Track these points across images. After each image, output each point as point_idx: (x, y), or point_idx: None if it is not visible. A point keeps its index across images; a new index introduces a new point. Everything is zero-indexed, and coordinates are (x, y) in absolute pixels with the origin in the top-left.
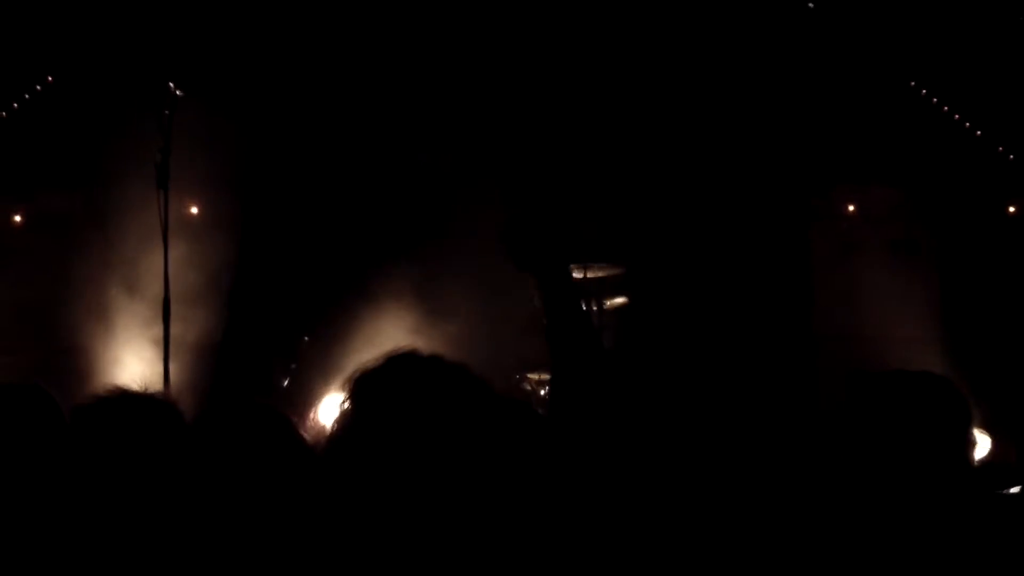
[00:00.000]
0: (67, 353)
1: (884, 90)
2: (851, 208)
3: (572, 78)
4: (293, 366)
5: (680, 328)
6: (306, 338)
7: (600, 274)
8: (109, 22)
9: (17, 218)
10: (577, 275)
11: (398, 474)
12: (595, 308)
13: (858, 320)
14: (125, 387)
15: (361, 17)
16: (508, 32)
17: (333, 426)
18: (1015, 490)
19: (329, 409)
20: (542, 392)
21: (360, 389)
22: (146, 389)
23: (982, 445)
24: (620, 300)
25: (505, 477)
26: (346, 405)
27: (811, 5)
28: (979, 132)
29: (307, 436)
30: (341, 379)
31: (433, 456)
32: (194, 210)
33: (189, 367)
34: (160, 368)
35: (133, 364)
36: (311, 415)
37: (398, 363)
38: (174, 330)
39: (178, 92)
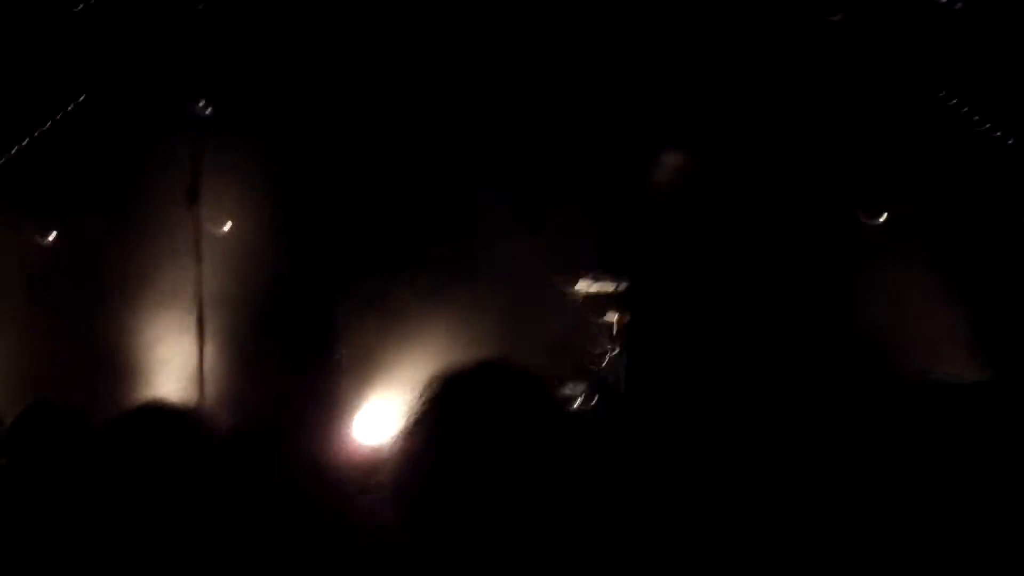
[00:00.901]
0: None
1: (914, 96)
2: (882, 216)
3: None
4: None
5: (710, 338)
6: (344, 352)
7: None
8: (138, 41)
9: (51, 237)
10: (609, 287)
11: (481, 481)
12: (627, 321)
13: (887, 328)
14: (158, 401)
15: (396, 24)
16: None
17: (411, 426)
18: None
19: (367, 420)
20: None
21: (448, 394)
22: (177, 403)
23: None
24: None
25: (581, 490)
26: (430, 407)
27: (835, 19)
28: (1010, 140)
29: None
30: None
31: (517, 466)
32: (227, 226)
33: (225, 376)
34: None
35: (169, 373)
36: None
37: (487, 371)
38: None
39: (207, 110)
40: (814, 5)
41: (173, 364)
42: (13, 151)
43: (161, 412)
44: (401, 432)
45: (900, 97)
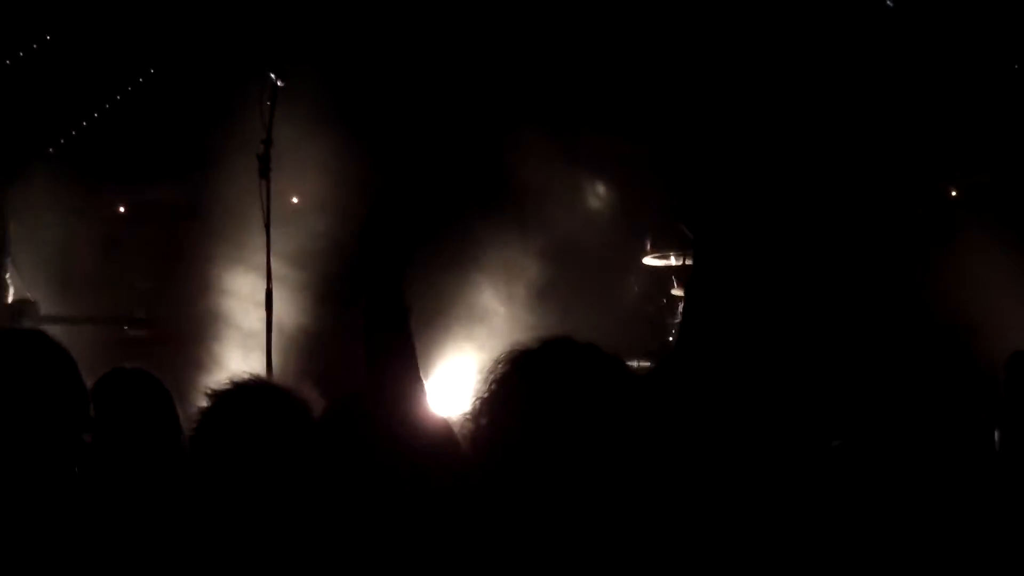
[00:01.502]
0: (173, 337)
1: (987, 75)
2: (954, 192)
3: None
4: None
5: (784, 316)
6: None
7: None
8: (209, 14)
9: (122, 208)
10: (678, 261)
11: (558, 454)
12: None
13: (967, 306)
14: (260, 376)
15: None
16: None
17: (487, 399)
18: None
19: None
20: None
21: (523, 368)
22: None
23: None
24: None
25: (651, 464)
26: (505, 381)
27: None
28: None
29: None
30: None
31: (591, 440)
32: (295, 199)
33: (291, 355)
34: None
35: (236, 351)
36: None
37: (559, 347)
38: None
39: (279, 82)
40: None
41: (243, 333)
42: (88, 122)
43: (262, 388)
44: (476, 408)
45: (977, 71)
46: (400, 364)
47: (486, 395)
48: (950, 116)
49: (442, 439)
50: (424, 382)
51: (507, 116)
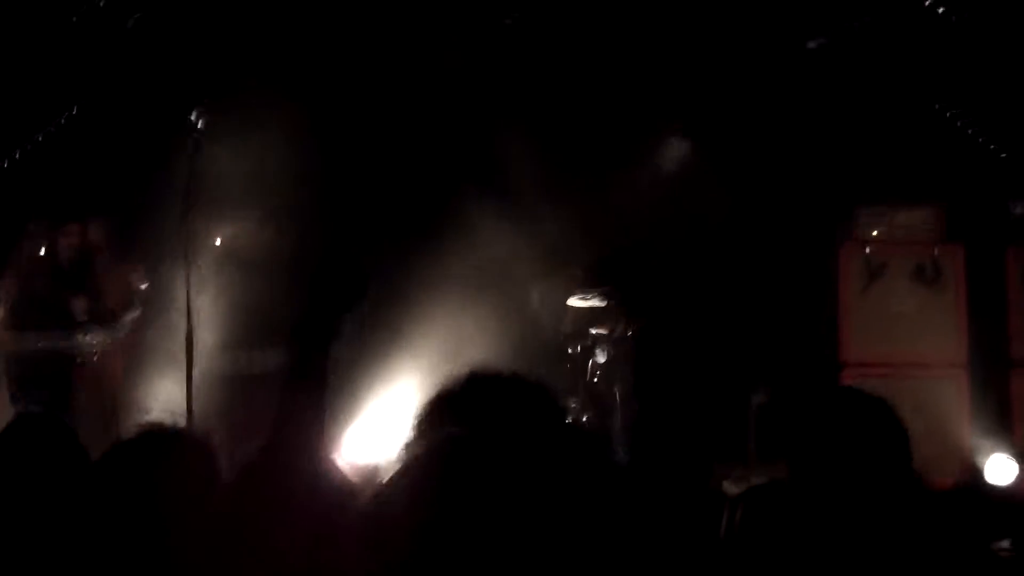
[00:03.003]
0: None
1: (907, 112)
2: (876, 231)
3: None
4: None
5: (699, 353)
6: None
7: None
8: (132, 51)
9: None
10: (600, 303)
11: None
12: (618, 337)
13: (883, 346)
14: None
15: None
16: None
17: (412, 441)
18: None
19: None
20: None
21: (445, 406)
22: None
23: (1010, 471)
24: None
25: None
26: (429, 421)
27: (811, 46)
28: (1004, 154)
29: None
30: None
31: (519, 476)
32: (218, 240)
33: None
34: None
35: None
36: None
37: (482, 381)
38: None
39: (201, 123)
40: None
41: (163, 376)
42: (6, 162)
43: (155, 437)
44: (402, 446)
45: (896, 109)
46: (305, 418)
47: (410, 435)
48: (871, 151)
49: (337, 500)
50: (328, 437)
51: (440, 151)
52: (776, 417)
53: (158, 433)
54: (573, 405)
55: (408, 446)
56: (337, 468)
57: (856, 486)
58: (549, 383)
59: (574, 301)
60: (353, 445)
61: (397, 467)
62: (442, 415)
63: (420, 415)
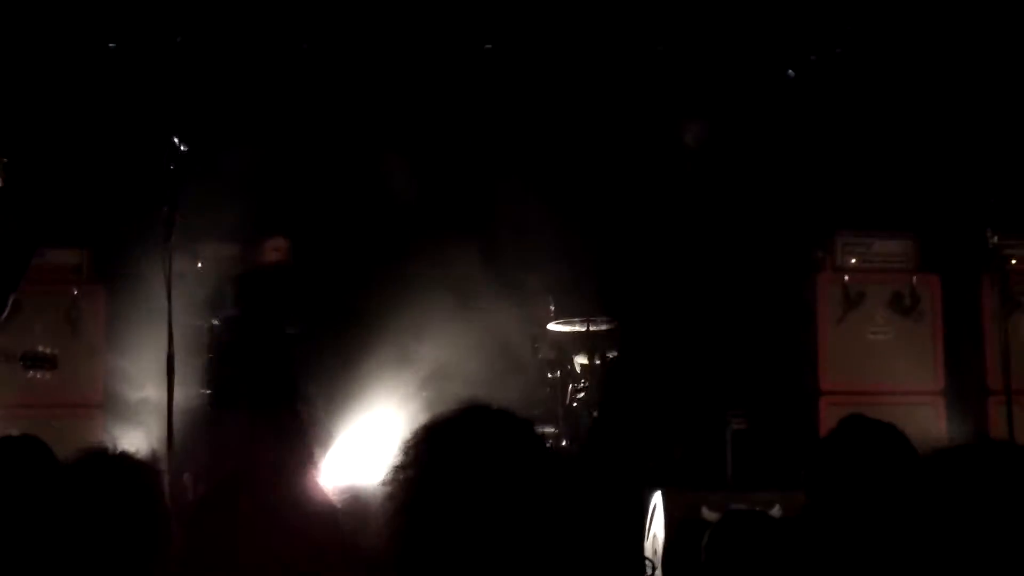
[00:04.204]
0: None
1: (884, 140)
2: (853, 260)
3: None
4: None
5: (677, 379)
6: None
7: (601, 328)
8: (110, 79)
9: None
10: (580, 328)
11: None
12: (597, 362)
13: (861, 374)
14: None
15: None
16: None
17: (399, 471)
18: None
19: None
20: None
21: (434, 440)
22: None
23: None
24: (614, 354)
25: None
26: (416, 454)
27: (791, 73)
28: (980, 185)
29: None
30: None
31: (503, 508)
32: (199, 265)
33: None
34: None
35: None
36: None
37: (472, 416)
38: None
39: (183, 147)
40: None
41: (144, 404)
42: None
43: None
44: (386, 479)
45: (874, 136)
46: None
47: (394, 467)
48: (847, 179)
49: (322, 526)
50: (316, 461)
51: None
52: (754, 444)
53: (100, 456)
54: (552, 431)
55: (392, 474)
56: (318, 488)
57: (876, 510)
58: (529, 414)
59: (553, 326)
60: (334, 468)
61: (381, 493)
62: (425, 445)
63: (404, 444)
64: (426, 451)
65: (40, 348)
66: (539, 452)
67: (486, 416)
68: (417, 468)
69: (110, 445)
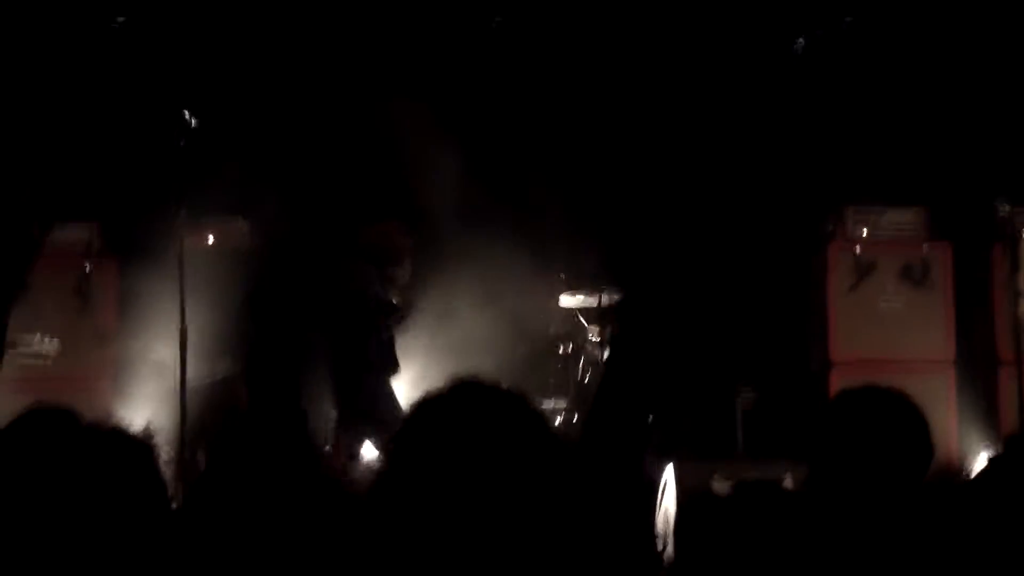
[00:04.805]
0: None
1: (894, 111)
2: (864, 231)
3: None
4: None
5: (688, 353)
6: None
7: (614, 300)
8: (122, 53)
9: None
10: (592, 301)
11: (454, 499)
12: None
13: (871, 344)
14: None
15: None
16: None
17: (389, 449)
18: None
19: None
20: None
21: (423, 414)
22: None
23: None
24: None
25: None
26: (402, 431)
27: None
28: (990, 153)
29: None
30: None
31: (492, 484)
32: (210, 240)
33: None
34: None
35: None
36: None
37: (458, 391)
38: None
39: (193, 121)
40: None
41: (153, 381)
42: None
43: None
44: (382, 456)
45: (883, 107)
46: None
47: (389, 445)
48: (858, 150)
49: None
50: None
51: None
52: (764, 415)
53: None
54: (564, 405)
55: (392, 445)
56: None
57: (883, 481)
58: (532, 389)
59: (564, 300)
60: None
61: (381, 465)
62: (428, 421)
63: (406, 419)
64: (410, 427)
65: (36, 347)
66: (531, 428)
67: (473, 391)
68: (401, 444)
69: (106, 421)
